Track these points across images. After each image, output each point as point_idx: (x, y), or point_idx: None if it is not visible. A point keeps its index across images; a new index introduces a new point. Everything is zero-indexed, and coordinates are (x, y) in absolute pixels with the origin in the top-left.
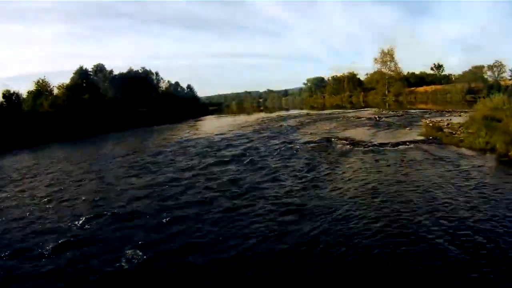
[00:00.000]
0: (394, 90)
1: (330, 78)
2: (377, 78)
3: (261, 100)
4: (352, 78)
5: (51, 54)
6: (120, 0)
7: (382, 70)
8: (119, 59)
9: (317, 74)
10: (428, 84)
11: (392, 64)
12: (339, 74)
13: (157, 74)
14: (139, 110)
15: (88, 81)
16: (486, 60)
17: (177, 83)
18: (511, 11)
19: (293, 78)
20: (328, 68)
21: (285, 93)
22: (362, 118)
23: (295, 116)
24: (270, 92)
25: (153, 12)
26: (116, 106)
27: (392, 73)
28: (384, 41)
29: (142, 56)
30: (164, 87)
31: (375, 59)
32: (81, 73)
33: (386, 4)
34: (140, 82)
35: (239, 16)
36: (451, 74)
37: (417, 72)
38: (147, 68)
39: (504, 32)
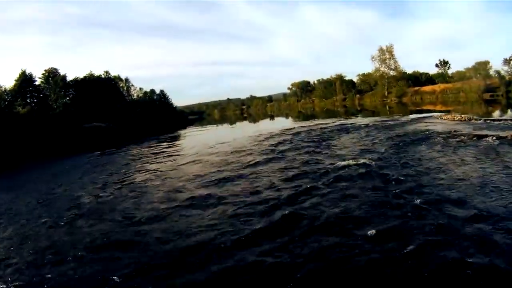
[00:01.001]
0: (396, 91)
1: (316, 82)
2: (375, 78)
3: (244, 107)
4: (345, 80)
5: (31, 66)
6: (101, 10)
7: (381, 69)
8: (101, 70)
9: (299, 79)
10: (423, 83)
11: (392, 61)
12: (325, 77)
13: (126, 80)
14: (92, 126)
15: (33, 89)
16: (467, 59)
17: (152, 91)
18: (489, 9)
19: (275, 84)
20: (310, 73)
21: (270, 99)
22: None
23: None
24: (253, 98)
25: (134, 22)
26: (64, 120)
27: (393, 72)
28: (365, 44)
29: (124, 66)
30: (136, 95)
31: (373, 57)
32: (24, 80)
33: (366, 8)
34: (103, 90)
35: (219, 23)
36: (447, 72)
37: (409, 71)
38: (114, 74)
39: (484, 31)
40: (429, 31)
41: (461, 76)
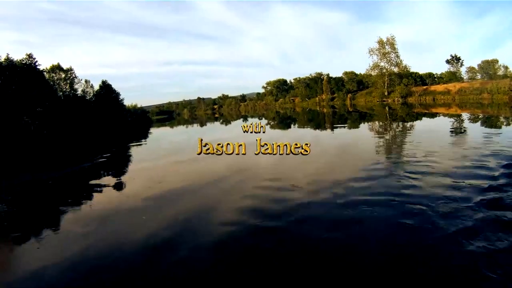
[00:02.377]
0: (401, 90)
1: (293, 80)
2: (375, 76)
3: (216, 106)
4: (333, 78)
5: None
6: (71, 7)
7: (381, 64)
8: (75, 67)
9: (273, 78)
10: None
11: (394, 55)
12: (302, 76)
13: (68, 71)
14: None
15: None
16: (436, 60)
17: (108, 86)
18: (460, 13)
19: (248, 84)
20: (282, 74)
21: (243, 98)
22: None
23: None
24: (225, 98)
25: (105, 19)
26: None
27: (395, 68)
28: (335, 46)
29: (93, 64)
30: (80, 90)
31: (371, 50)
32: None
33: (335, 10)
34: (19, 81)
35: (191, 23)
36: (460, 70)
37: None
38: (38, 60)
39: (455, 33)
40: (398, 33)
41: (450, 76)
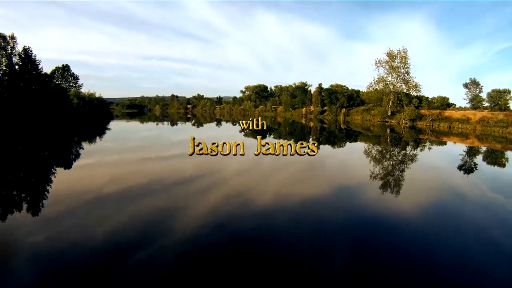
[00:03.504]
0: (410, 111)
1: (274, 88)
2: (380, 91)
3: (189, 106)
4: (326, 89)
5: None
6: None
7: (388, 79)
8: (52, 51)
9: (250, 84)
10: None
11: (403, 71)
12: (285, 84)
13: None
14: None
15: None
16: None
17: (31, 61)
18: (442, 42)
19: (223, 87)
20: (259, 80)
21: (219, 100)
22: None
23: None
24: (200, 98)
25: (90, 5)
26: None
27: (405, 86)
28: (314, 59)
29: (73, 50)
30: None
31: (378, 62)
32: None
33: (321, 25)
34: None
35: (174, 18)
36: (481, 97)
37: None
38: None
39: (436, 60)
40: (380, 54)
41: (441, 101)
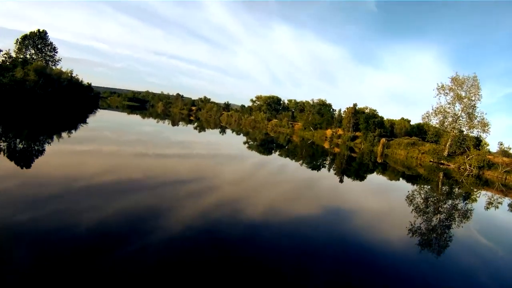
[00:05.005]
0: (480, 157)
1: (289, 102)
2: (439, 125)
3: (194, 108)
4: (364, 113)
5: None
6: None
7: (450, 110)
8: (66, 32)
9: (258, 94)
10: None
11: (472, 104)
12: (305, 99)
13: None
14: None
15: None
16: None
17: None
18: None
19: (230, 93)
20: (266, 92)
21: (227, 107)
22: None
23: None
24: (207, 101)
25: None
26: None
27: (469, 124)
28: (326, 79)
29: (86, 35)
30: None
31: (441, 87)
32: None
33: (333, 43)
34: None
35: (191, 18)
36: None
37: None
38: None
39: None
40: (387, 82)
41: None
